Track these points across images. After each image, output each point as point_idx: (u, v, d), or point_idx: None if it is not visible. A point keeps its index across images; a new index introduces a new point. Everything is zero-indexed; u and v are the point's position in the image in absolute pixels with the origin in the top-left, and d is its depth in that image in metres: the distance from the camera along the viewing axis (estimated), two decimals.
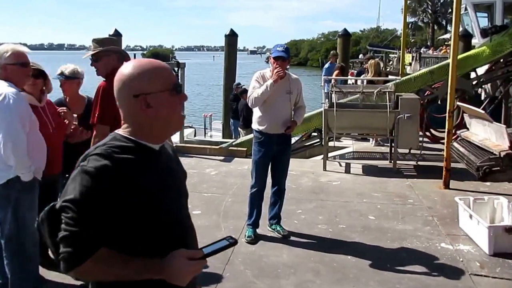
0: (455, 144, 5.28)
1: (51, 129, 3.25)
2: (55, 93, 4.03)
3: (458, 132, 6.09)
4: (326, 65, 11.70)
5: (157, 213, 1.41)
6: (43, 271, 3.65)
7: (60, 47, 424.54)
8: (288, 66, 4.43)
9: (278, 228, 4.51)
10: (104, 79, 3.33)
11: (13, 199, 2.92)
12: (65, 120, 3.49)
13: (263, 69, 4.58)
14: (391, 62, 25.83)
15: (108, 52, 3.34)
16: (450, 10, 39.82)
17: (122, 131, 1.50)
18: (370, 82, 8.54)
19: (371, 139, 9.31)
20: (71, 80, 3.91)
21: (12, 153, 2.82)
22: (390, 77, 11.03)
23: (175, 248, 1.39)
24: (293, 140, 9.36)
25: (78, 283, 3.58)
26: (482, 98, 10.64)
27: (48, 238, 1.40)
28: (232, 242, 1.42)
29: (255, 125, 4.43)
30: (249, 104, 4.43)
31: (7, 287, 3.05)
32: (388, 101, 7.03)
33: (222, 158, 7.91)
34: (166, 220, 1.44)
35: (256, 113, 4.40)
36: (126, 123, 1.51)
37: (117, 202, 1.34)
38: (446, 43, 33.71)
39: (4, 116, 2.80)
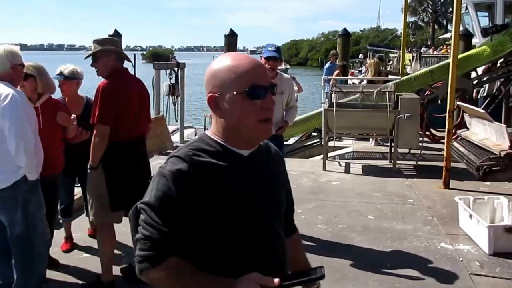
0: (455, 143, 5.28)
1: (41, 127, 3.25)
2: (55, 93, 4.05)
3: (458, 131, 6.09)
4: (327, 65, 11.69)
5: (239, 222, 1.30)
6: None
7: (60, 47, 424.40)
8: (285, 66, 4.40)
9: None
10: (105, 79, 3.33)
11: (21, 200, 2.92)
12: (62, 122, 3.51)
13: None
14: (391, 62, 25.82)
15: (107, 52, 3.34)
16: (450, 9, 39.85)
17: (210, 131, 1.38)
18: (370, 82, 8.54)
19: (371, 139, 9.31)
20: (70, 80, 3.92)
21: (24, 153, 2.82)
22: (390, 76, 11.02)
23: (252, 266, 1.26)
24: (293, 140, 9.38)
25: (80, 282, 3.60)
26: (479, 96, 10.63)
27: (133, 236, 1.37)
28: (319, 276, 1.24)
29: None
30: None
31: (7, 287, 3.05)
32: (388, 101, 7.02)
33: None
34: (248, 233, 1.31)
35: None
36: (212, 122, 1.39)
37: (194, 208, 1.25)
38: (446, 42, 33.68)
39: (14, 116, 2.79)
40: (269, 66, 4.13)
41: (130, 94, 3.34)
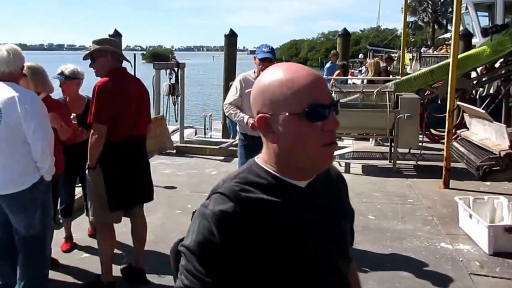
0: (455, 143, 5.28)
1: None
2: (56, 93, 4.05)
3: (458, 131, 6.09)
4: (327, 65, 11.70)
5: (293, 252, 1.11)
6: None
7: (60, 47, 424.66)
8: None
9: None
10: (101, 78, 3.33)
11: (40, 201, 2.94)
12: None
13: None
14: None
15: (104, 52, 3.34)
16: (450, 9, 39.83)
17: (260, 158, 1.18)
18: (370, 81, 8.53)
19: (371, 139, 9.31)
20: (71, 80, 3.94)
21: (49, 154, 2.87)
22: (390, 76, 11.02)
23: None
24: None
25: (79, 282, 3.60)
26: (478, 96, 10.63)
27: (174, 272, 1.21)
28: None
29: (239, 128, 4.38)
30: (224, 111, 4.40)
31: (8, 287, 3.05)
32: (388, 101, 7.04)
33: (222, 158, 7.92)
34: (303, 263, 1.12)
35: None
36: (263, 147, 1.17)
37: (241, 248, 1.07)
38: (446, 42, 33.70)
39: (39, 117, 2.83)
40: (263, 67, 4.09)
41: (129, 94, 3.34)
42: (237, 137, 4.52)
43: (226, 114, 4.38)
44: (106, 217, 3.38)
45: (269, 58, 4.12)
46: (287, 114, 1.07)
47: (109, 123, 3.21)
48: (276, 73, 1.10)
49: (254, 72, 4.25)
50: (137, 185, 3.46)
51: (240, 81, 4.25)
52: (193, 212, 1.15)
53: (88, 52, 3.41)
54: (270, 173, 1.13)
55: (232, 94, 4.26)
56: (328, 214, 1.20)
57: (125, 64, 3.55)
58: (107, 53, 3.34)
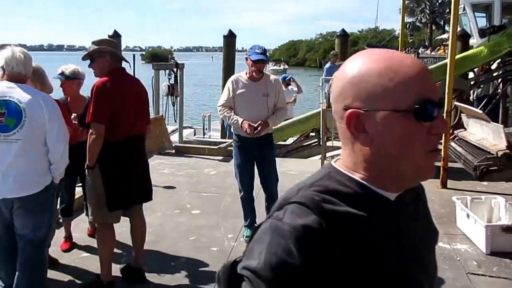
0: (452, 143, 5.30)
1: None
2: (56, 93, 4.07)
3: (455, 131, 6.12)
4: (327, 65, 11.74)
5: (371, 263, 0.91)
6: None
7: (59, 48, 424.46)
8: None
9: None
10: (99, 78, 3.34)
11: (50, 204, 2.98)
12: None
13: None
14: None
15: (102, 52, 3.35)
16: (448, 10, 39.92)
17: (340, 163, 0.98)
18: None
19: None
20: (71, 80, 3.96)
21: (67, 155, 2.95)
22: None
23: None
24: (292, 140, 9.40)
25: (78, 282, 3.61)
26: (474, 97, 10.68)
27: None
28: None
29: (233, 129, 4.38)
30: (218, 113, 4.40)
31: None
32: None
33: (220, 158, 7.92)
34: (381, 273, 0.92)
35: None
36: (344, 150, 0.97)
37: (319, 261, 0.87)
38: (444, 43, 33.77)
39: (60, 119, 2.90)
40: (256, 68, 4.11)
41: (128, 94, 3.35)
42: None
43: (220, 116, 4.40)
44: (104, 217, 3.39)
45: (263, 60, 4.13)
46: (389, 110, 0.87)
47: (108, 123, 3.22)
48: (371, 61, 0.90)
49: (246, 73, 4.22)
50: (136, 185, 3.47)
51: (232, 82, 4.22)
52: (258, 226, 0.94)
53: (87, 53, 3.42)
54: (356, 181, 0.93)
55: (225, 96, 4.25)
56: (414, 231, 1.01)
57: (125, 64, 3.56)
58: (105, 53, 3.35)
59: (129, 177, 3.38)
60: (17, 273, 2.89)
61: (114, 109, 3.24)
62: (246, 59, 4.17)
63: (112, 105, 3.24)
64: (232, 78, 4.30)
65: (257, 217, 4.46)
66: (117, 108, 3.26)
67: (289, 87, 10.04)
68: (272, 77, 4.36)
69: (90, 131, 3.22)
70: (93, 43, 3.40)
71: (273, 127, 4.43)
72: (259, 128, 4.12)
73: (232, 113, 4.16)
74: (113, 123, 3.24)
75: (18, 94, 2.78)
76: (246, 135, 4.16)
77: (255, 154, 4.30)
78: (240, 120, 4.10)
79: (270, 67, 65.16)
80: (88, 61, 3.44)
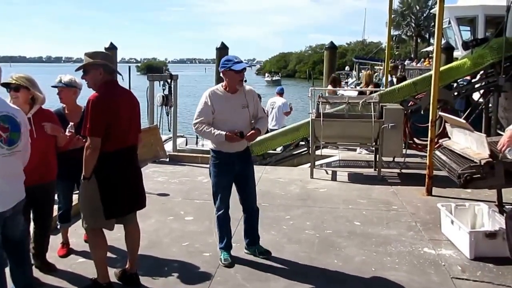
0: (437, 152, 5.41)
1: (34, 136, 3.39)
2: (54, 102, 4.16)
3: (440, 141, 6.26)
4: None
5: None
6: (40, 275, 3.74)
7: (58, 60, 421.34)
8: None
9: (260, 250, 4.28)
10: (95, 91, 3.39)
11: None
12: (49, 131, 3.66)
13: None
14: (376, 74, 26.22)
15: (95, 65, 3.41)
16: (432, 23, 40.53)
17: None
18: (361, 92, 8.72)
19: (357, 148, 9.48)
20: (69, 88, 4.06)
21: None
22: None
23: None
24: (279, 149, 9.50)
25: (75, 287, 3.66)
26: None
27: None
28: None
29: (212, 145, 4.10)
30: (194, 130, 4.12)
31: None
32: (373, 111, 7.20)
33: None
34: None
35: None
36: None
37: None
38: (430, 55, 34.27)
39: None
40: (241, 79, 3.95)
41: (120, 106, 3.42)
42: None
43: (198, 134, 4.07)
44: (97, 224, 3.46)
45: (245, 67, 3.97)
46: None
47: (103, 136, 3.30)
48: None
49: (222, 86, 4.00)
50: (130, 194, 3.54)
51: (209, 97, 3.95)
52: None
53: (81, 65, 3.48)
54: None
55: (203, 112, 3.95)
56: None
57: (118, 76, 3.65)
58: (99, 66, 3.41)
59: (123, 186, 3.45)
60: (19, 270, 3.10)
61: (109, 121, 3.32)
62: (224, 72, 3.92)
63: (107, 118, 3.31)
64: (208, 92, 3.99)
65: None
66: (111, 120, 3.33)
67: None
68: (247, 87, 4.13)
69: (87, 144, 3.29)
70: (87, 55, 3.46)
71: (256, 138, 4.24)
72: (247, 135, 3.97)
73: (212, 127, 3.91)
74: (107, 134, 3.32)
75: (9, 108, 2.94)
76: (228, 149, 3.99)
77: (237, 169, 4.08)
78: (223, 133, 3.88)
79: (265, 78, 65.04)
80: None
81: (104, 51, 3.64)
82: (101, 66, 3.41)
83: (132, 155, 3.59)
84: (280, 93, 10.71)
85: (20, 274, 3.13)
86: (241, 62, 3.92)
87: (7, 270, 3.04)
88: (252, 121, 4.12)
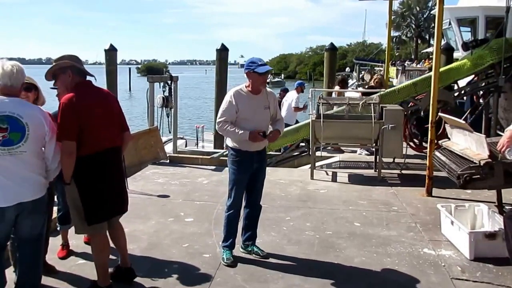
0: (437, 153, 5.42)
1: None
2: (54, 103, 4.16)
3: (440, 141, 6.27)
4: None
5: None
6: None
7: None
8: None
9: (256, 250, 4.32)
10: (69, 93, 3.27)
11: (46, 203, 3.26)
12: None
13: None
14: (376, 75, 26.26)
15: (62, 68, 3.30)
16: (432, 25, 40.53)
17: None
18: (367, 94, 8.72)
19: (358, 150, 9.47)
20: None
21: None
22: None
23: None
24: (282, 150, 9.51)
25: None
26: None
27: None
28: None
29: (232, 143, 4.13)
30: (217, 129, 4.16)
31: None
32: (373, 112, 7.21)
33: (213, 167, 8.04)
34: None
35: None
36: None
37: None
38: (430, 56, 34.29)
39: (54, 134, 3.21)
40: (264, 81, 4.02)
41: (94, 107, 3.28)
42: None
43: (221, 132, 4.12)
44: (86, 230, 3.46)
45: (268, 70, 4.03)
46: None
47: (77, 139, 3.19)
48: None
49: (246, 87, 4.07)
50: (112, 199, 3.44)
51: (234, 96, 4.02)
52: None
53: (47, 71, 3.37)
54: None
55: (227, 110, 4.02)
56: None
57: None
58: (66, 69, 3.28)
59: (105, 190, 3.35)
60: (25, 270, 3.14)
61: (81, 123, 3.20)
62: (248, 73, 4.00)
63: (80, 121, 3.19)
64: (233, 92, 4.08)
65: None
66: (84, 122, 3.20)
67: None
68: (268, 89, 4.23)
69: (62, 149, 3.16)
70: (54, 60, 3.38)
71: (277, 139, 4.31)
72: (270, 135, 4.08)
73: (235, 127, 3.99)
74: (82, 137, 3.21)
75: (16, 109, 2.94)
76: (248, 148, 4.04)
77: (254, 167, 4.14)
78: (247, 132, 3.95)
79: (271, 79, 65.52)
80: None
81: (70, 54, 3.49)
82: (68, 67, 3.29)
83: (113, 157, 3.45)
84: (297, 88, 10.70)
85: (28, 278, 3.16)
86: (265, 64, 4.01)
87: (8, 270, 3.05)
88: (270, 122, 4.22)
